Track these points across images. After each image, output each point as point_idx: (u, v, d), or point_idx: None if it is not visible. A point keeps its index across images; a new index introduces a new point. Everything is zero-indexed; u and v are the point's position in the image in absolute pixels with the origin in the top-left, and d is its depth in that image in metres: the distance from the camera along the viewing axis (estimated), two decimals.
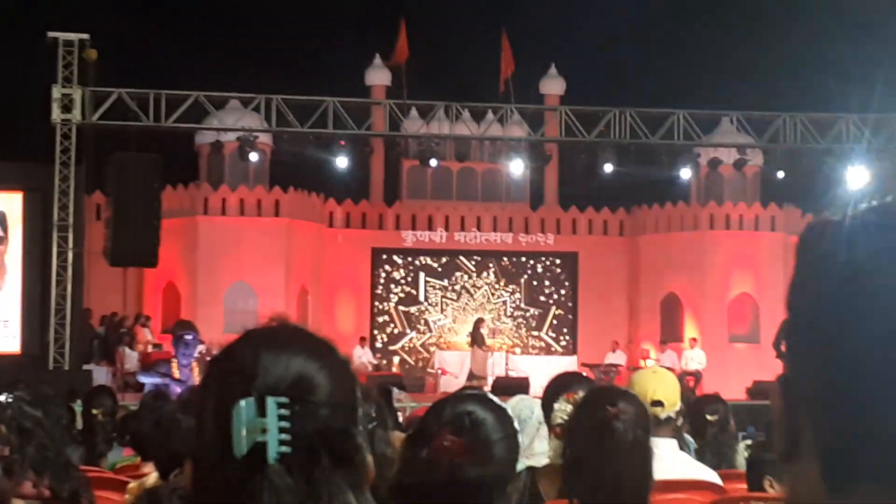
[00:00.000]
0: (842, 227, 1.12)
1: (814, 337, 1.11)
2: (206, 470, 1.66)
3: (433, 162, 27.87)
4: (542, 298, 35.44)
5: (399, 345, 34.81)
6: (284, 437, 1.58)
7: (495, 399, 2.80)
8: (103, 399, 8.29)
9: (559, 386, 4.65)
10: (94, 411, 7.98)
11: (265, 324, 1.73)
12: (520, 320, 35.24)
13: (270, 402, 1.58)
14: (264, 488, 1.58)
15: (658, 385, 4.87)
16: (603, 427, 3.45)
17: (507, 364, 29.48)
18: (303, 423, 1.60)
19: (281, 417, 1.58)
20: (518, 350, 33.92)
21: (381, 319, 34.86)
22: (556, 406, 4.31)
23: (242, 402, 1.58)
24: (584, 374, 7.44)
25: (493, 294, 35.26)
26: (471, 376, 27.34)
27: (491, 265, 35.24)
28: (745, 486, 5.71)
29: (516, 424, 2.80)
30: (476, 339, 28.55)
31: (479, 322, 29.90)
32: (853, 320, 1.07)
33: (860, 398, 1.06)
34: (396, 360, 34.15)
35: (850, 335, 1.07)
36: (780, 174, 27.51)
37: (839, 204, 1.17)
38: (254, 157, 27.23)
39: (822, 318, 1.10)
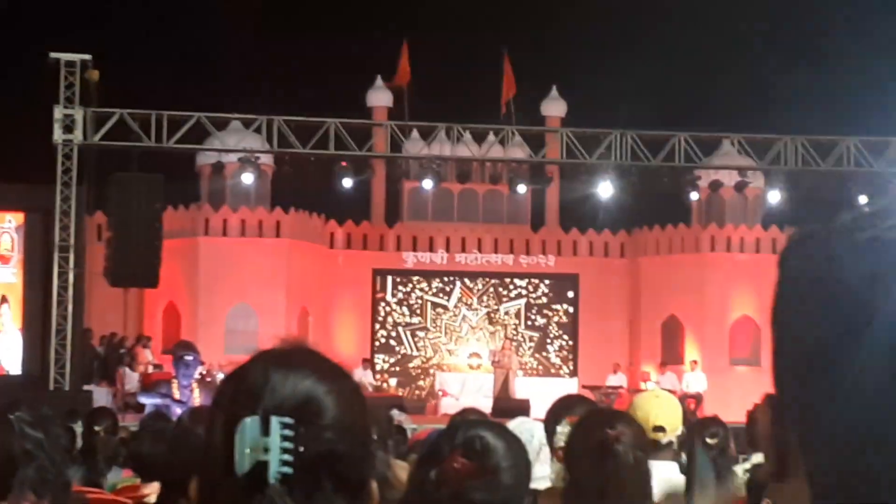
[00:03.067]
0: (825, 244, 1.10)
1: (799, 358, 1.10)
2: (211, 488, 1.66)
3: (428, 183, 27.88)
4: (543, 320, 35.42)
5: (400, 366, 34.78)
6: (287, 457, 1.57)
7: (509, 427, 2.81)
8: (104, 419, 8.28)
9: (562, 408, 4.65)
10: (97, 428, 7.97)
11: (278, 345, 1.73)
12: (520, 342, 35.20)
13: (274, 421, 1.58)
14: None
15: (660, 410, 4.86)
16: (603, 449, 3.44)
17: (511, 387, 29.43)
18: (307, 444, 1.59)
19: (284, 438, 1.57)
20: (519, 372, 33.86)
21: (381, 341, 34.84)
22: (558, 429, 4.30)
23: (247, 421, 1.58)
24: (587, 396, 7.44)
25: (493, 316, 35.25)
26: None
27: (492, 287, 35.23)
28: None
29: (530, 456, 2.81)
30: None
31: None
32: (838, 341, 1.06)
33: (847, 422, 1.05)
34: (397, 381, 34.12)
35: (834, 356, 1.06)
36: (780, 196, 27.52)
37: (821, 218, 1.15)
38: (249, 178, 27.19)
39: (807, 340, 1.08)
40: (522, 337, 35.28)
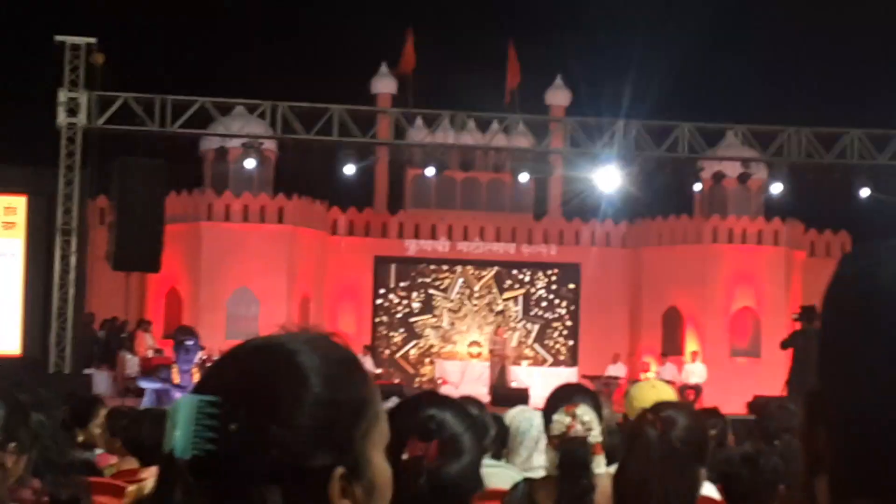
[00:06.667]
0: (875, 251, 1.13)
1: (838, 353, 1.13)
2: None
3: (431, 170, 27.89)
4: (544, 309, 35.43)
5: (400, 353, 34.81)
6: (209, 434, 1.50)
7: (509, 415, 2.84)
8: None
9: (561, 398, 4.65)
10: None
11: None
12: (521, 331, 35.23)
13: (194, 398, 1.52)
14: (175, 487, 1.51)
15: (657, 400, 4.87)
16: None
17: (507, 375, 29.48)
18: (239, 423, 1.50)
19: (207, 415, 1.50)
20: (524, 362, 33.87)
21: (382, 328, 34.86)
22: (554, 417, 4.32)
23: (180, 399, 1.53)
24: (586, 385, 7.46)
25: (494, 304, 35.26)
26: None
27: (493, 275, 35.24)
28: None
29: (529, 444, 2.84)
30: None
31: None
32: (871, 340, 1.10)
33: (873, 414, 1.08)
34: (397, 369, 34.17)
35: (869, 353, 1.09)
36: (782, 188, 27.50)
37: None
38: (251, 163, 27.17)
39: (845, 336, 1.12)
40: (524, 325, 35.31)
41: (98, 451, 7.56)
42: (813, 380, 1.17)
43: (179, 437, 1.50)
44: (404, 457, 2.61)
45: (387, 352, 34.58)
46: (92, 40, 24.18)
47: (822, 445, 1.13)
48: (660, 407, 3.69)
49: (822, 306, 1.18)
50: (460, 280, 35.16)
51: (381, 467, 1.62)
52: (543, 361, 34.65)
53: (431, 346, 34.88)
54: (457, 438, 2.67)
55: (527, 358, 34.50)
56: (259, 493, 1.49)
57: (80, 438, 7.74)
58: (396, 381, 31.22)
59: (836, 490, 1.11)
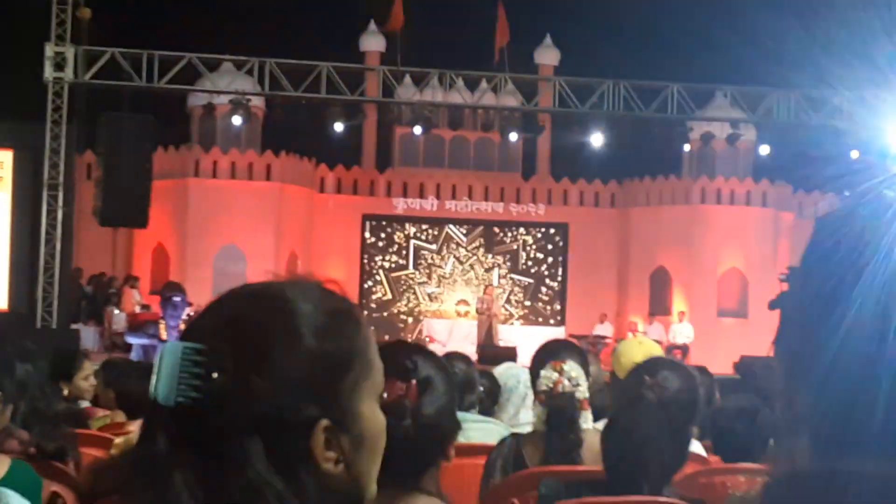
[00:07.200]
0: (841, 213, 1.14)
1: (815, 313, 1.13)
2: None
3: (419, 129, 27.87)
4: (532, 269, 35.48)
5: (387, 312, 34.84)
6: (195, 382, 1.46)
7: (497, 372, 2.86)
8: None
9: (546, 353, 4.66)
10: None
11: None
12: (508, 290, 35.27)
13: (177, 345, 1.49)
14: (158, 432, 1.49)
15: (644, 356, 4.88)
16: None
17: (495, 334, 29.52)
18: (222, 371, 1.47)
19: (192, 362, 1.47)
20: (512, 321, 33.93)
21: (369, 286, 34.88)
22: (542, 373, 4.33)
23: (167, 345, 1.50)
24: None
25: (482, 263, 35.29)
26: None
27: (481, 234, 35.25)
28: None
29: (517, 401, 2.85)
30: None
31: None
32: (842, 298, 1.09)
33: (846, 373, 1.07)
34: (385, 326, 34.21)
35: (839, 312, 1.09)
36: (767, 149, 27.54)
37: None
38: (240, 120, 27.10)
39: (821, 294, 1.12)
40: (511, 285, 35.35)
41: (84, 403, 7.56)
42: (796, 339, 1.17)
43: (163, 383, 1.48)
44: (385, 397, 2.64)
45: (374, 309, 34.59)
46: None
47: (803, 405, 1.13)
48: (655, 367, 3.70)
49: (800, 267, 1.19)
50: (447, 239, 35.16)
51: (372, 419, 1.59)
52: (531, 321, 34.70)
53: (419, 305, 34.93)
54: (431, 379, 2.70)
55: (514, 317, 34.58)
56: (241, 444, 1.46)
57: (65, 392, 7.73)
58: (382, 338, 31.24)
59: (817, 449, 1.11)
